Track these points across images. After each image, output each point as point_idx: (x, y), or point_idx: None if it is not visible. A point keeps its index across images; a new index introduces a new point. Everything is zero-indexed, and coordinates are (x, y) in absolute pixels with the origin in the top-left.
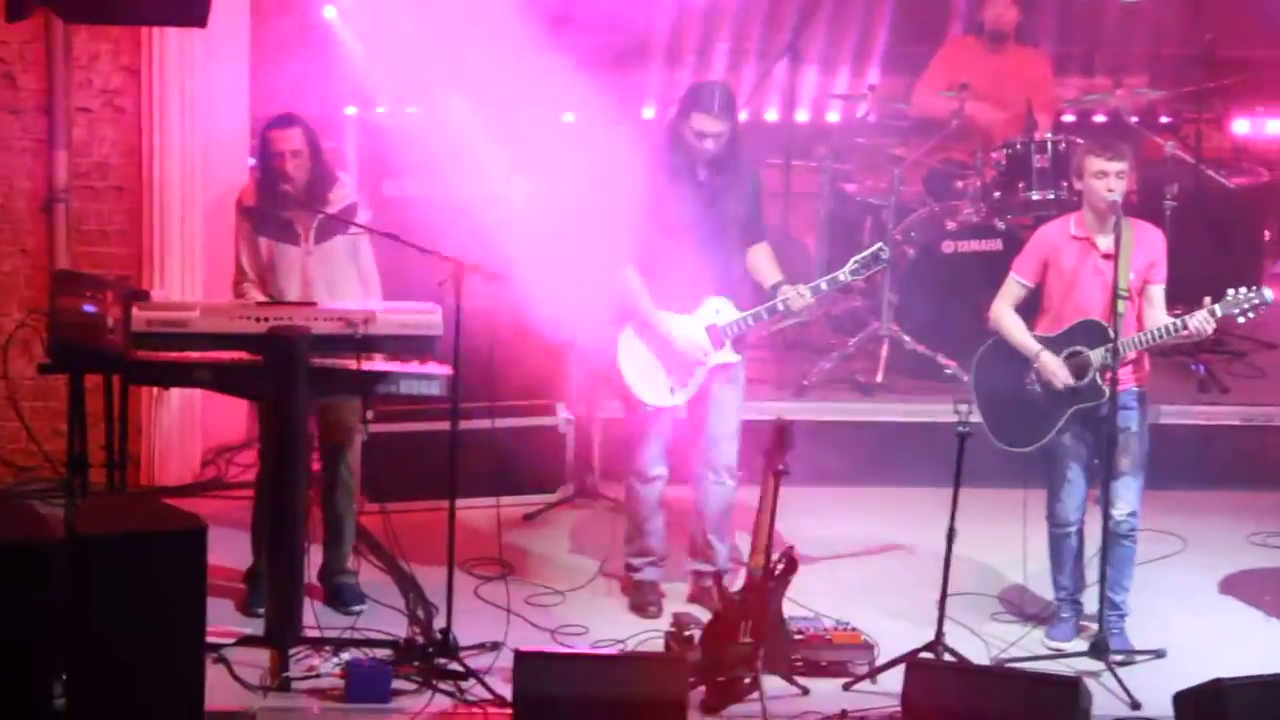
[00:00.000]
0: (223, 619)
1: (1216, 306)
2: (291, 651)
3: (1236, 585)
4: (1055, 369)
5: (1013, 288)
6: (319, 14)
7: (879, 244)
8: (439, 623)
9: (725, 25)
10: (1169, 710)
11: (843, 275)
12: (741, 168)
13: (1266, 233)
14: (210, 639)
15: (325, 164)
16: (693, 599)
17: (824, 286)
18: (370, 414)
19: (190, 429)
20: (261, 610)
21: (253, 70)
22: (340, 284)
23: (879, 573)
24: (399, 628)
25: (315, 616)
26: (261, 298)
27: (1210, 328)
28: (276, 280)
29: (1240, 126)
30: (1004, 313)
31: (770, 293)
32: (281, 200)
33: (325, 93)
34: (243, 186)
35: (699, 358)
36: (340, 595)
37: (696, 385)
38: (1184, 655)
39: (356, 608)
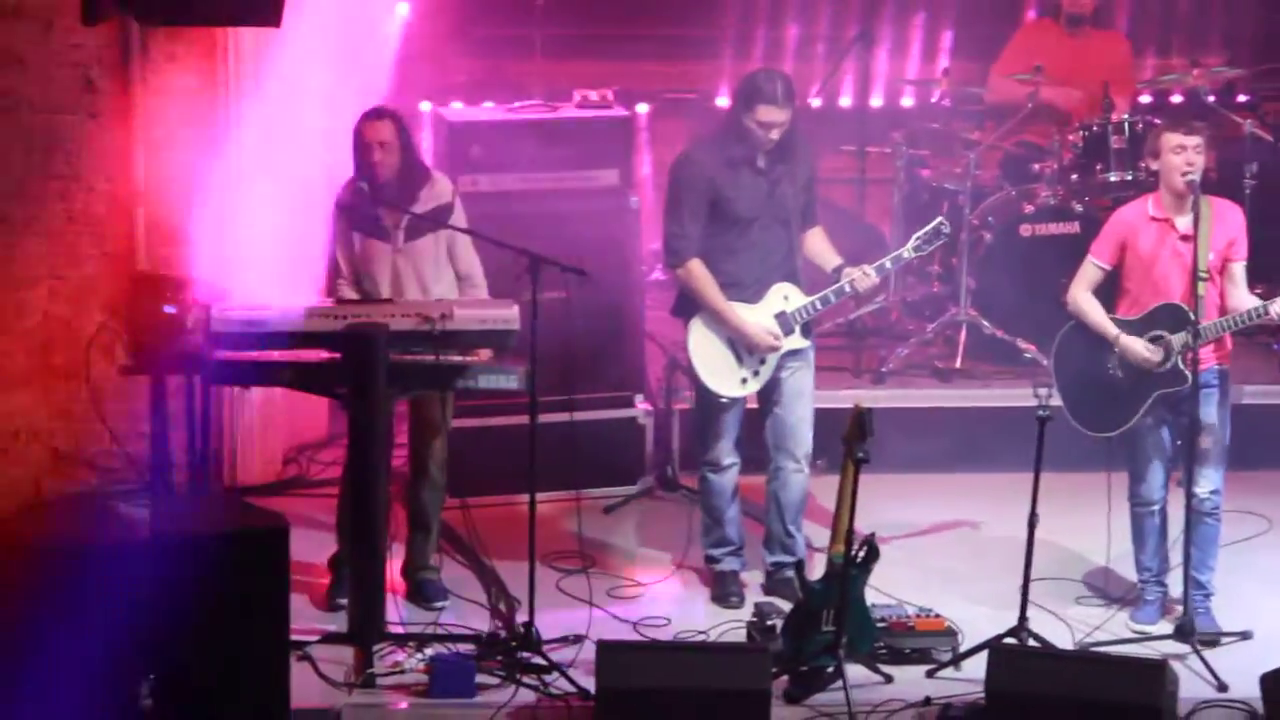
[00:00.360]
0: (307, 616)
1: None
2: (375, 648)
3: None
4: (1139, 350)
5: (1090, 271)
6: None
7: (939, 219)
8: (521, 617)
9: (794, 11)
10: (1256, 692)
11: (906, 252)
12: (798, 154)
13: None
14: (295, 637)
15: (417, 159)
16: (773, 589)
17: (888, 265)
18: (451, 409)
19: (271, 428)
20: (343, 601)
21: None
22: (432, 281)
23: (961, 559)
24: (482, 622)
25: (399, 612)
26: (354, 296)
27: None
28: (372, 276)
29: None
30: (1082, 297)
31: (833, 276)
32: (373, 195)
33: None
34: (341, 184)
35: (771, 345)
36: (423, 591)
37: (769, 373)
38: (1271, 636)
39: (439, 604)
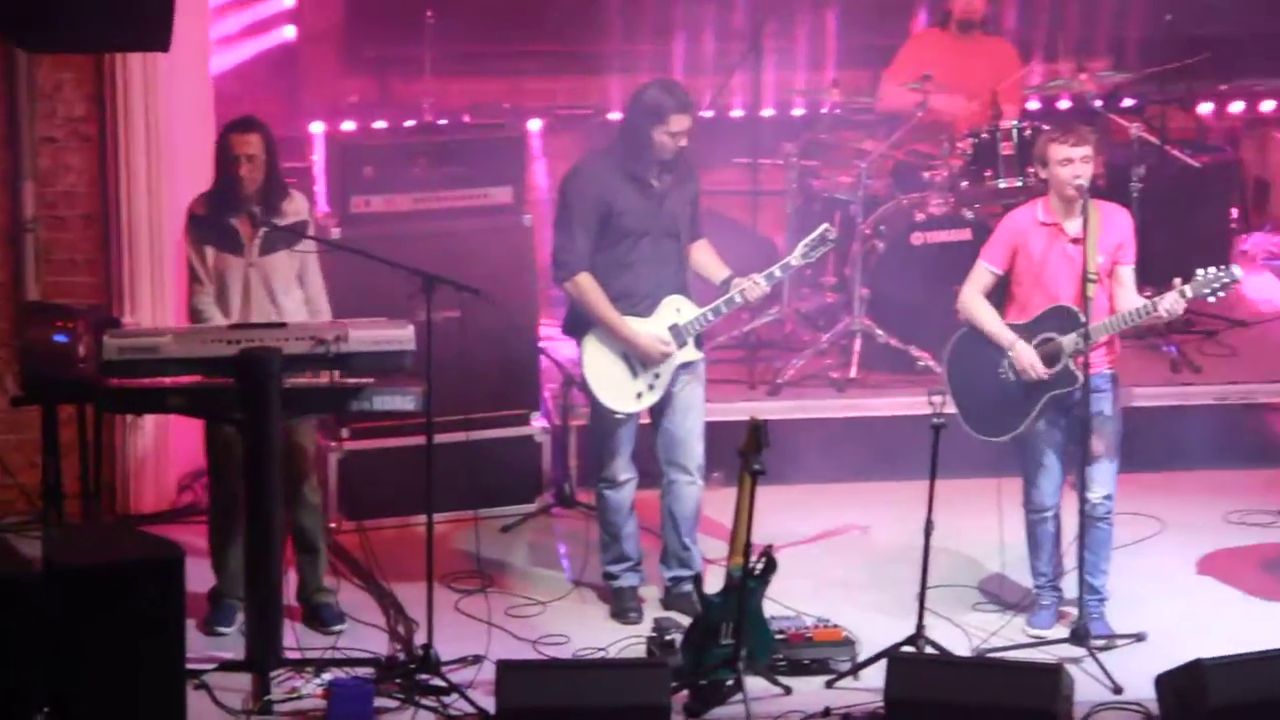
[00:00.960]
0: (203, 644)
1: (1187, 287)
2: (273, 674)
3: (1215, 565)
4: (1031, 361)
5: (982, 275)
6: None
7: (825, 225)
8: (420, 638)
9: (681, 23)
10: (1151, 693)
11: (794, 260)
12: (686, 167)
13: (1233, 211)
14: (191, 665)
15: (279, 174)
16: (671, 604)
17: (778, 273)
18: (345, 431)
19: (165, 455)
20: (222, 629)
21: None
22: (282, 295)
23: (858, 568)
24: (380, 645)
25: (296, 637)
26: (217, 314)
27: (1181, 309)
28: (224, 288)
29: (1204, 106)
30: (974, 300)
31: (722, 287)
32: (230, 207)
33: (292, 110)
34: (195, 196)
35: (662, 359)
36: (320, 615)
37: (664, 387)
38: (1165, 637)
39: (336, 627)
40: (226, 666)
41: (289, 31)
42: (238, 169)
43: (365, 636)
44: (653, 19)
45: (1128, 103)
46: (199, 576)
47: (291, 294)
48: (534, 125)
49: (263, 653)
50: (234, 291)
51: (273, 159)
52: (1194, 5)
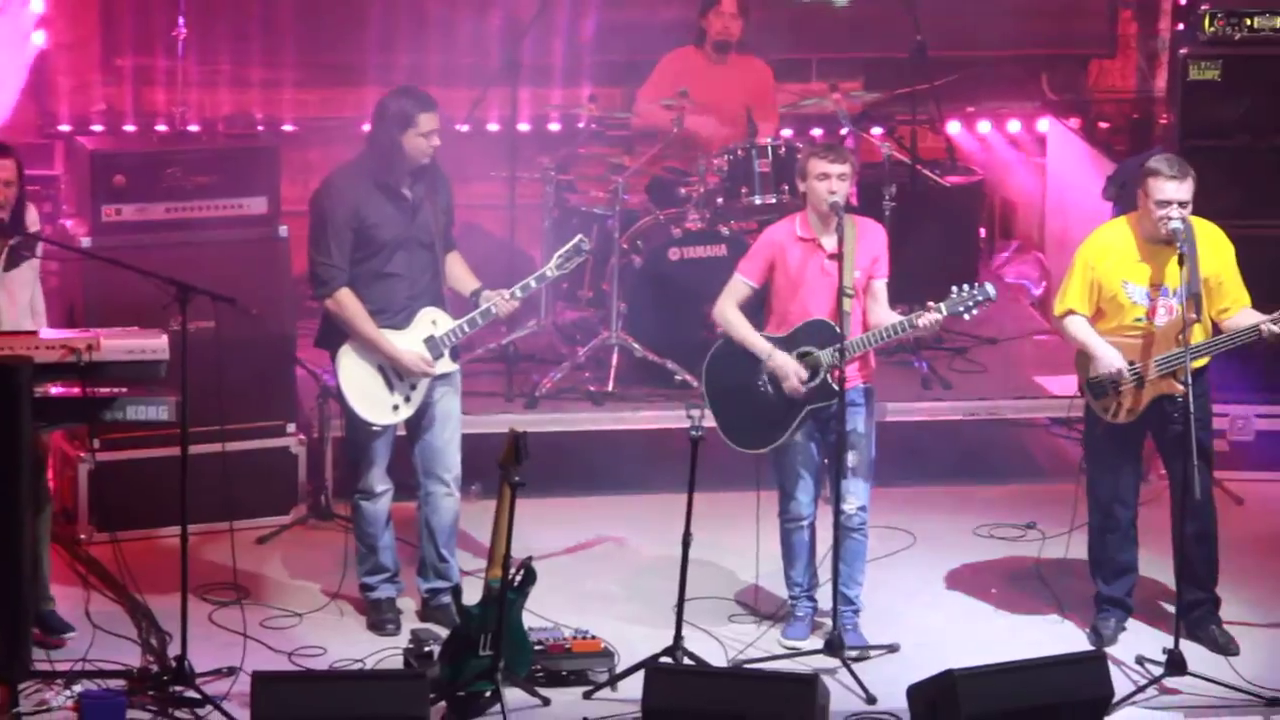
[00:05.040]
0: None
1: (942, 305)
2: (21, 686)
3: (964, 578)
4: (789, 369)
5: (738, 287)
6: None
7: (579, 236)
8: (174, 650)
9: (437, 36)
10: (904, 703)
11: (549, 271)
12: (438, 178)
13: (982, 230)
14: None
15: (25, 193)
16: (429, 615)
17: (532, 284)
18: (96, 442)
19: None
20: None
21: None
22: (28, 311)
23: (617, 580)
24: (133, 658)
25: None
26: None
27: (937, 326)
28: None
29: (953, 127)
30: (729, 310)
31: (472, 300)
32: None
33: (40, 117)
34: None
35: (422, 370)
36: (47, 622)
37: (420, 399)
38: (917, 648)
39: (67, 634)
40: None
41: (38, 39)
42: None
43: (117, 649)
44: (409, 31)
45: (878, 126)
46: None
47: (39, 310)
48: (288, 135)
49: (10, 665)
50: None
51: (23, 180)
52: (944, 28)
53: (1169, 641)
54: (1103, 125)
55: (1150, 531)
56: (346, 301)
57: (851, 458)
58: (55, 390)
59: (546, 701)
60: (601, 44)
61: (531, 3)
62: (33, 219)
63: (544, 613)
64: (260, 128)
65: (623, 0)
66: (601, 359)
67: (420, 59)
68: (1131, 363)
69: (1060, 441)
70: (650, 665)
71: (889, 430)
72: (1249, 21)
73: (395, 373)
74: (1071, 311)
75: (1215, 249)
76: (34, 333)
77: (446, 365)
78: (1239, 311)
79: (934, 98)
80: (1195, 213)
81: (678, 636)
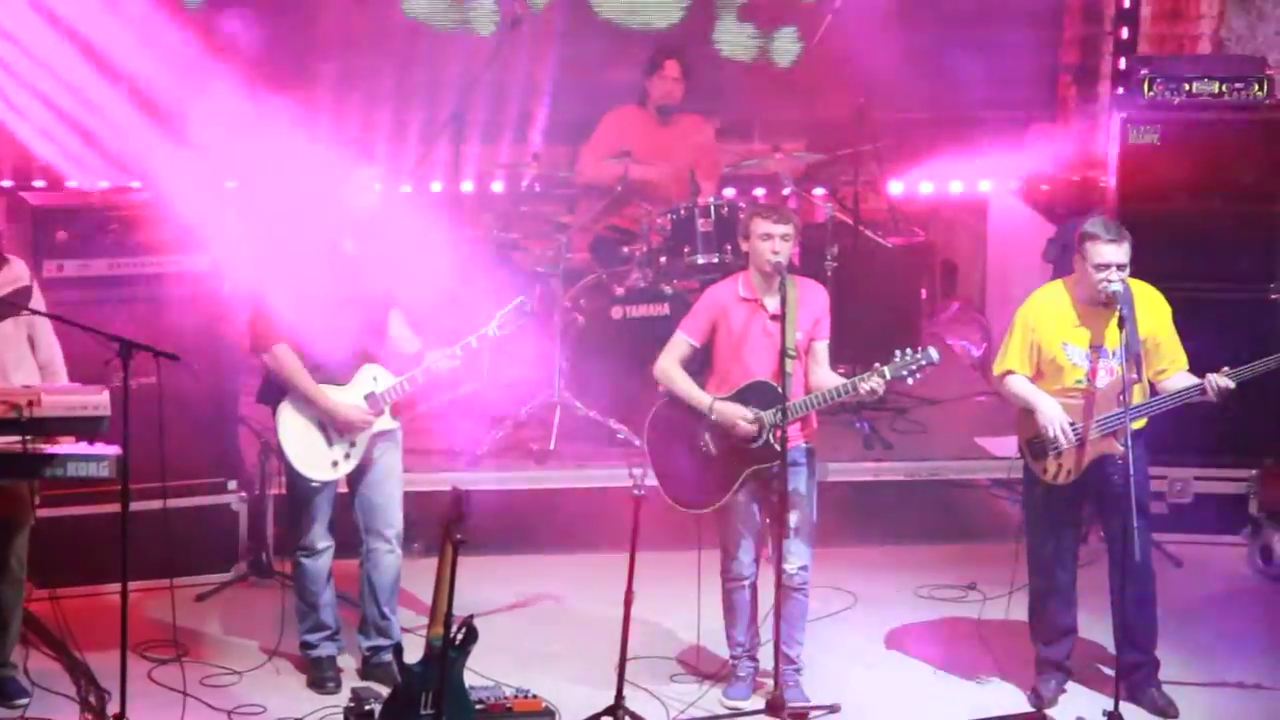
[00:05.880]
0: None
1: (886, 369)
2: None
3: (906, 638)
4: (735, 415)
5: (679, 345)
6: None
7: (520, 297)
8: (113, 708)
9: (386, 93)
10: None
11: (490, 331)
12: (383, 235)
13: (923, 291)
14: None
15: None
16: (370, 673)
17: (473, 343)
18: (37, 498)
19: None
20: None
21: None
22: (14, 368)
23: (559, 639)
24: (71, 716)
25: None
26: None
27: (882, 389)
28: None
29: (895, 188)
30: (670, 367)
31: (413, 357)
32: None
33: None
34: None
35: (363, 422)
36: (4, 689)
37: (360, 455)
38: (858, 709)
39: (20, 701)
40: None
41: None
42: None
43: (55, 706)
44: (361, 86)
45: (820, 186)
46: None
47: (24, 365)
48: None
49: None
50: None
51: None
52: (886, 89)
53: (1109, 704)
54: (1043, 188)
55: (1089, 593)
56: (284, 356)
57: (794, 517)
58: None
59: None
60: (549, 102)
61: (480, 61)
62: (20, 272)
63: (486, 671)
64: None
65: (570, 60)
66: (544, 417)
67: (369, 115)
68: (1073, 424)
69: (1001, 503)
70: None
71: (831, 490)
72: (1187, 86)
73: (334, 428)
74: (1011, 371)
75: (1153, 310)
76: None
77: (387, 422)
78: (1175, 373)
79: (876, 159)
80: (1135, 275)
81: (619, 696)
